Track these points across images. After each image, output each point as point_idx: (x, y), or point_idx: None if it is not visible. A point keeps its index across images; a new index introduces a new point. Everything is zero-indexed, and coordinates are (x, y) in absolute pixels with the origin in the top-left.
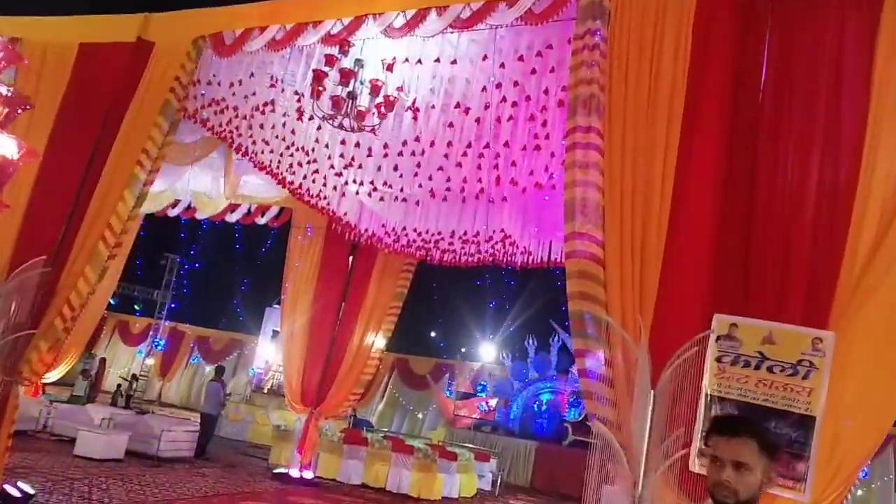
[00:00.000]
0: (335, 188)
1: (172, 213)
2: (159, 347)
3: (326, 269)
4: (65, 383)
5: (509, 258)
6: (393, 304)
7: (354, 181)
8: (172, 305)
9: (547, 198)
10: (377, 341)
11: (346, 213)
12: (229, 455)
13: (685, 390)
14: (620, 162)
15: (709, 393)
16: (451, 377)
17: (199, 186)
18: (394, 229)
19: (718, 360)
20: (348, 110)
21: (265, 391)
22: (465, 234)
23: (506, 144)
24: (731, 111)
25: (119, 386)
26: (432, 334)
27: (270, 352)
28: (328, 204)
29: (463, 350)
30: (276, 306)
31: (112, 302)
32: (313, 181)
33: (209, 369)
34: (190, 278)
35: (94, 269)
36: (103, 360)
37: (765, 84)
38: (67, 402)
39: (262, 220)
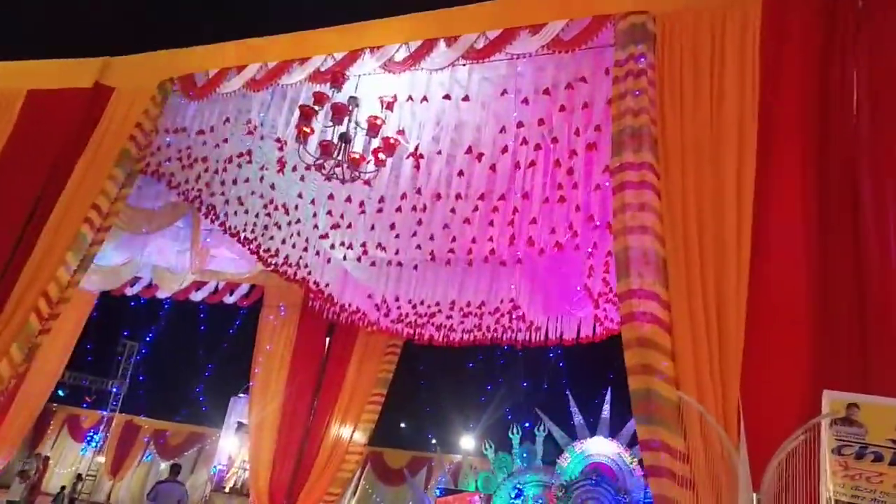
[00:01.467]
0: (318, 253)
1: (131, 291)
2: (93, 444)
3: (300, 351)
4: (3, 485)
5: (513, 334)
6: (375, 392)
7: (342, 244)
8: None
9: (558, 266)
10: (357, 433)
11: (327, 284)
12: None
13: (791, 491)
14: (682, 203)
15: (832, 497)
16: (429, 471)
17: (162, 261)
18: (384, 301)
19: (838, 451)
20: (340, 156)
21: (226, 490)
22: (468, 304)
23: (525, 196)
24: (819, 140)
25: (62, 489)
26: (406, 424)
27: (234, 446)
28: (309, 273)
29: (438, 441)
30: (242, 396)
31: (60, 393)
32: (293, 246)
33: (164, 466)
34: (147, 365)
35: (20, 347)
36: (46, 459)
37: (858, 108)
38: None
39: (230, 299)
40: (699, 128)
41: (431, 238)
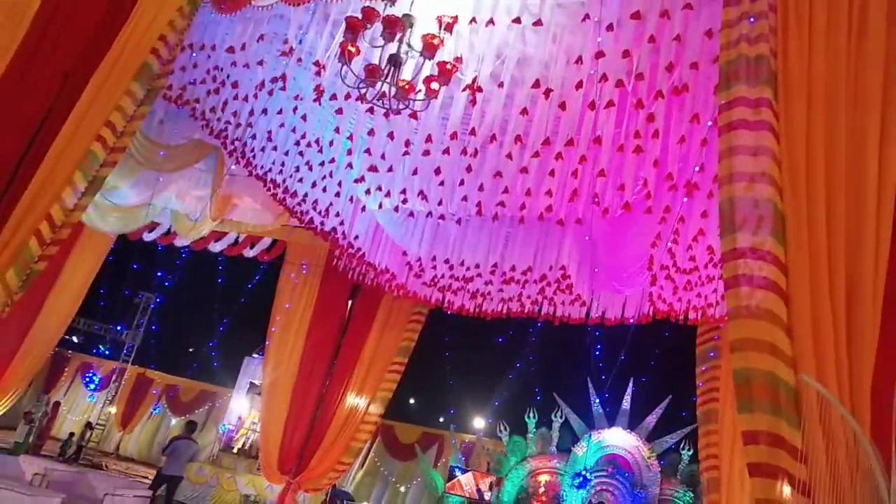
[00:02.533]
0: (351, 200)
1: (148, 237)
2: (92, 386)
3: (320, 313)
4: (10, 427)
5: (554, 308)
6: (395, 361)
7: (379, 189)
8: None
9: (618, 231)
10: (374, 402)
11: (357, 237)
12: None
13: None
14: (806, 151)
15: None
16: (440, 448)
17: (181, 207)
18: (419, 260)
19: None
20: (388, 82)
21: (234, 451)
22: (512, 269)
23: (596, 141)
24: None
25: (71, 435)
26: (422, 398)
27: (245, 407)
28: (340, 223)
29: (451, 419)
30: (256, 356)
31: (75, 340)
32: (324, 190)
33: (175, 421)
34: (161, 316)
35: (17, 272)
36: (56, 405)
37: None
38: (11, 452)
39: (250, 253)
40: (832, 67)
41: (481, 188)
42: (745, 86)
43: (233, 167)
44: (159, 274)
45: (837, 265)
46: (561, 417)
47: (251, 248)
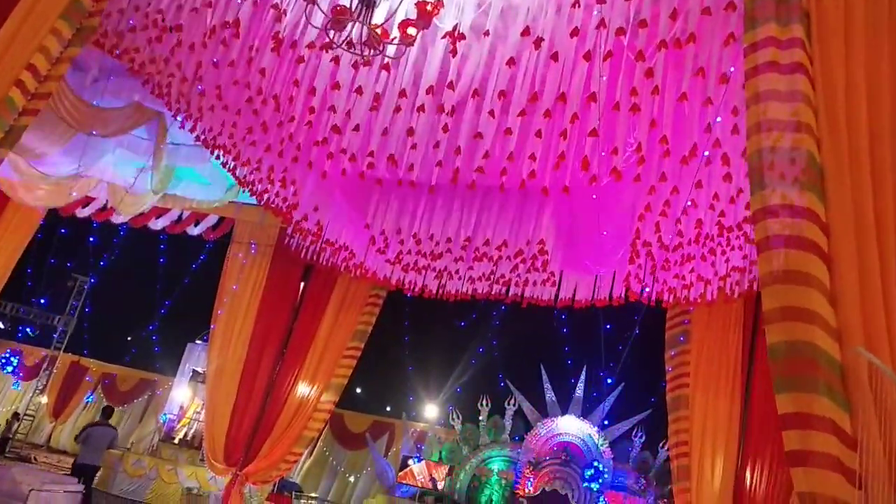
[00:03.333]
0: (310, 165)
1: (82, 212)
2: (9, 369)
3: (270, 296)
4: None
5: (526, 287)
6: (351, 346)
7: (343, 152)
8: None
9: (603, 201)
10: (328, 390)
11: (316, 209)
12: None
13: None
14: (846, 98)
15: None
16: (391, 437)
17: (119, 179)
18: (383, 233)
19: None
20: (360, 20)
21: (175, 441)
22: (486, 243)
23: (591, 98)
24: None
25: None
26: (372, 386)
27: (187, 396)
28: (293, 193)
29: (403, 407)
30: (200, 342)
31: (1, 326)
32: (280, 154)
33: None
34: (96, 301)
35: None
36: None
37: None
38: None
39: (194, 231)
40: (873, 1)
41: (458, 151)
42: (774, 24)
43: (177, 135)
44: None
45: (885, 224)
46: (514, 405)
47: (195, 225)
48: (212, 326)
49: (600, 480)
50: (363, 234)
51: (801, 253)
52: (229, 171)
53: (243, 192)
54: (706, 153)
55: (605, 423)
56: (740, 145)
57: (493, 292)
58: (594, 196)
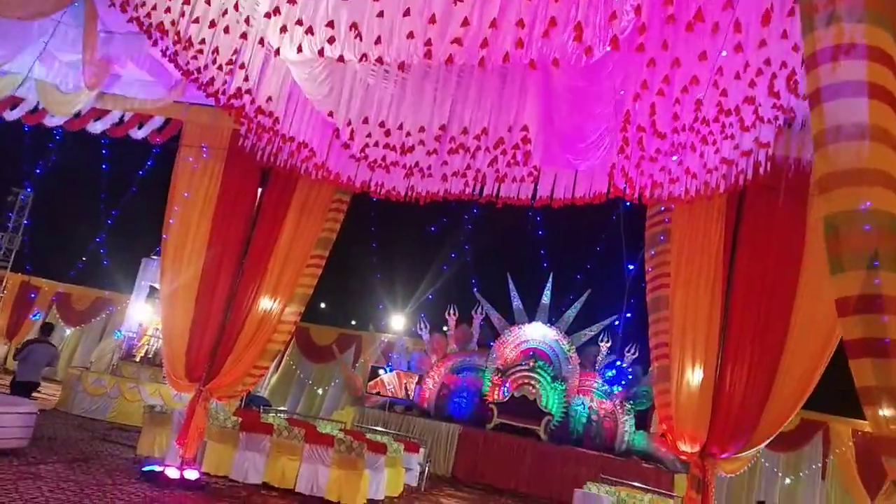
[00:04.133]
0: (262, 43)
1: (10, 115)
2: None
3: (225, 203)
4: None
5: (503, 184)
6: (315, 254)
7: (299, 23)
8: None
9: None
10: (292, 301)
11: (269, 100)
12: (83, 442)
13: None
14: None
15: None
16: (357, 349)
17: (49, 75)
18: (348, 123)
19: None
20: None
21: (137, 359)
22: (464, 132)
23: None
24: None
25: None
26: (337, 298)
27: (146, 313)
28: (246, 79)
29: (369, 317)
30: (156, 258)
31: None
32: (226, 30)
33: (69, 332)
34: (38, 215)
35: None
36: None
37: None
38: None
39: (139, 134)
40: None
41: (432, 20)
42: None
43: (110, 21)
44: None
45: None
46: (482, 314)
47: (139, 128)
48: (164, 237)
49: (623, 382)
50: (324, 129)
51: (864, 101)
52: (171, 61)
53: (191, 89)
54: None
55: (572, 329)
56: (757, 5)
57: (466, 192)
58: (581, 75)
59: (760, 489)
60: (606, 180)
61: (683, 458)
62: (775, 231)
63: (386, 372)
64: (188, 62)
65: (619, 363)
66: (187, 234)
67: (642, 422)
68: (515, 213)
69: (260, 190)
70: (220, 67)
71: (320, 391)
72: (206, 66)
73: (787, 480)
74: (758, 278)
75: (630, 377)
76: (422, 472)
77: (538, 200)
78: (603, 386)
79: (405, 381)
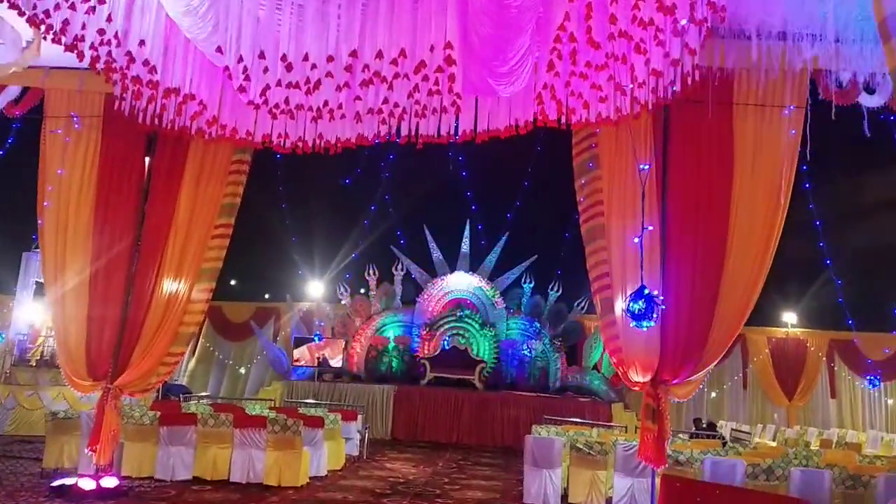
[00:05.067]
0: None
1: None
2: None
3: (108, 178)
4: None
5: (422, 120)
6: (220, 223)
7: None
8: None
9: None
10: (201, 278)
11: (142, 45)
12: None
13: None
14: None
15: None
16: (277, 321)
17: None
18: (240, 60)
19: None
20: None
21: (32, 363)
22: (380, 56)
23: None
24: None
25: None
26: (246, 272)
27: (37, 311)
28: (108, 19)
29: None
30: (38, 250)
31: None
32: None
33: None
34: None
35: None
36: None
37: None
38: None
39: None
40: None
41: None
42: None
43: None
44: None
45: None
46: (402, 270)
47: None
48: (39, 222)
49: (654, 315)
50: (212, 74)
51: None
52: (19, 13)
53: (49, 51)
54: None
55: (494, 273)
56: None
57: (381, 133)
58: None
59: (690, 408)
60: (531, 107)
61: (636, 388)
62: (703, 145)
63: (316, 339)
64: (42, 15)
65: (646, 290)
66: (67, 216)
67: (573, 358)
68: (430, 158)
69: (147, 159)
70: (72, 6)
71: (242, 370)
72: (56, 6)
73: (713, 394)
74: (691, 196)
75: (552, 312)
76: (362, 440)
77: (461, 135)
78: (532, 325)
79: (329, 348)
